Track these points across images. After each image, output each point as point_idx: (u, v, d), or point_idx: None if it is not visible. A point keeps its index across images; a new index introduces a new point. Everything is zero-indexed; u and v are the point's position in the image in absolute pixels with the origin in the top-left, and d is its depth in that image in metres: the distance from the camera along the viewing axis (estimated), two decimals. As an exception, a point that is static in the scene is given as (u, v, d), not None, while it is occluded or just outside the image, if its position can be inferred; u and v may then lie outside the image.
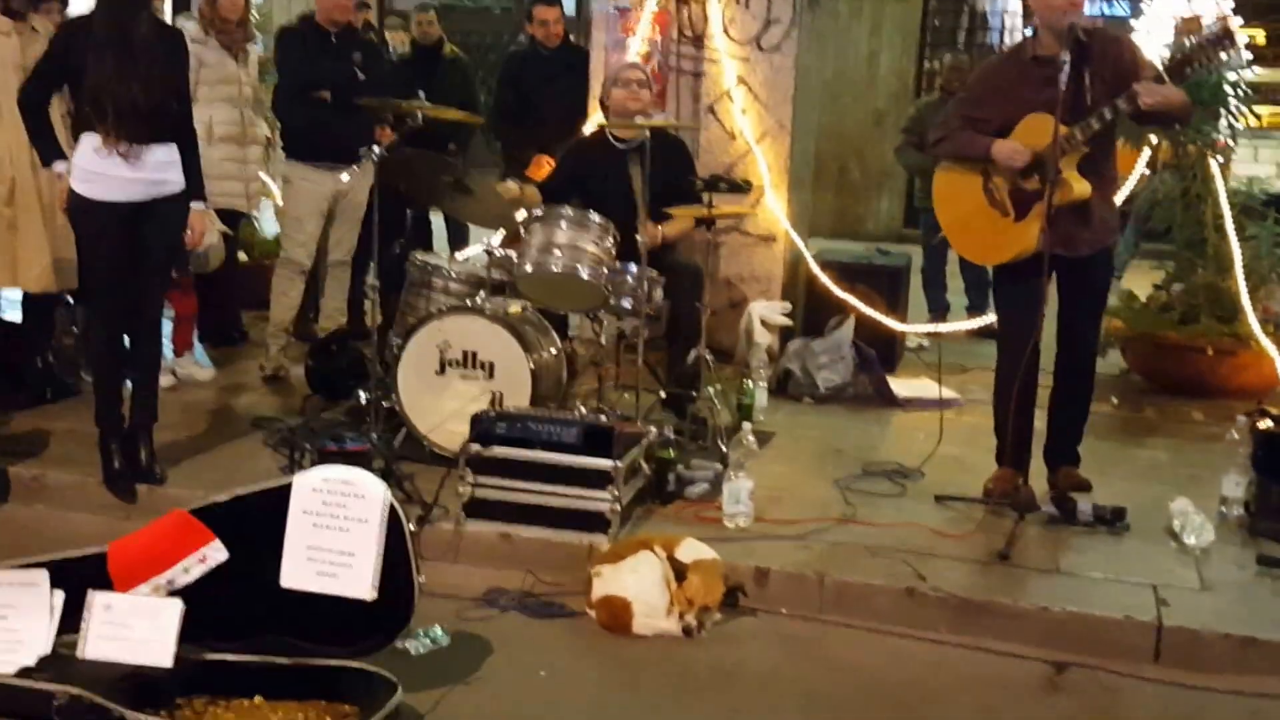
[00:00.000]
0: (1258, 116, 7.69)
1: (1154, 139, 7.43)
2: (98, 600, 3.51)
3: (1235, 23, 10.75)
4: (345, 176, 6.48)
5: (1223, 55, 4.62)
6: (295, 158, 6.82)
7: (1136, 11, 13.33)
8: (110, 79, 4.91)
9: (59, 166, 5.11)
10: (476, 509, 4.68)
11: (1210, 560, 4.62)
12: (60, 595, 3.60)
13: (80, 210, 5.05)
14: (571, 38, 8.56)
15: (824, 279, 7.30)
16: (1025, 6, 14.66)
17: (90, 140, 4.97)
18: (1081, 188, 4.79)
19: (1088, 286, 5.08)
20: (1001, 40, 14.59)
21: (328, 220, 6.83)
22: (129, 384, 5.27)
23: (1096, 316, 5.28)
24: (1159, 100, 4.61)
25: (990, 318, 7.88)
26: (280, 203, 7.65)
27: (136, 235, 5.10)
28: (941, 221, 5.35)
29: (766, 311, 6.80)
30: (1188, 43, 4.77)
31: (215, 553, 3.68)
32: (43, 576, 3.62)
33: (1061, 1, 4.75)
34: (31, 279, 5.95)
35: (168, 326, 6.09)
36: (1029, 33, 5.05)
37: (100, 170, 4.98)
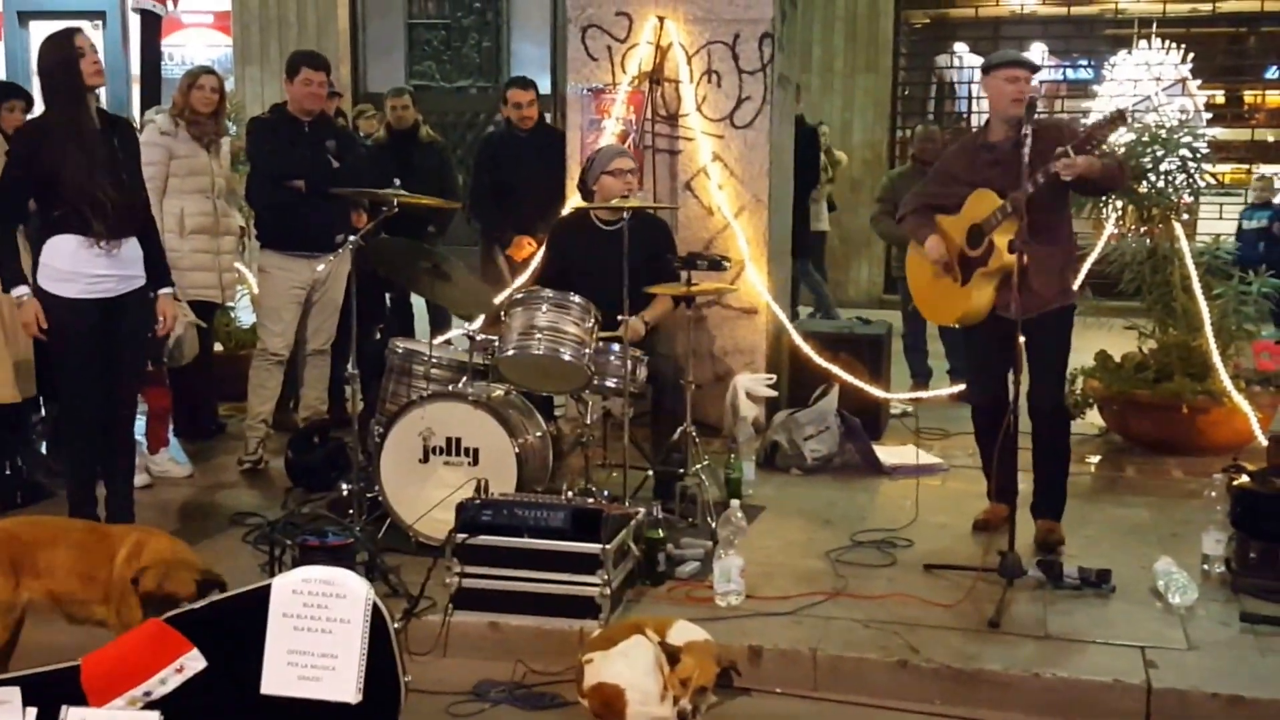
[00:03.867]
0: (1216, 177, 7.83)
1: (1119, 203, 7.56)
2: (72, 716, 3.41)
3: (1194, 84, 10.97)
4: (321, 267, 6.53)
5: (1114, 135, 5.06)
6: (270, 247, 6.84)
7: (1099, 76, 13.62)
8: (84, 176, 4.95)
9: (20, 291, 5.06)
10: (464, 599, 4.66)
11: (1195, 619, 4.65)
12: (33, 712, 3.50)
13: (54, 309, 5.04)
14: (547, 118, 8.65)
15: (807, 350, 7.36)
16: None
17: (64, 241, 5.00)
18: (1010, 256, 5.12)
19: (1035, 348, 5.22)
20: (969, 108, 14.84)
21: (305, 309, 6.85)
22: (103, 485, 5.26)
23: (1052, 376, 5.50)
24: (1077, 172, 5.02)
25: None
26: (256, 292, 7.67)
27: (108, 332, 5.12)
28: (910, 285, 5.88)
29: (751, 384, 6.83)
30: (1089, 121, 5.22)
31: (193, 662, 3.61)
32: (14, 694, 3.52)
33: (1011, 90, 5.31)
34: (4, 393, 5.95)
35: (141, 422, 6.09)
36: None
37: (75, 269, 5.01)
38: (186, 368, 6.86)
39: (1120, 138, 7.96)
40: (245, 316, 8.53)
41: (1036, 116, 5.07)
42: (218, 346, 8.00)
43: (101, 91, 5.44)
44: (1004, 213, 5.15)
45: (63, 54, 5.05)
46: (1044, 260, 5.24)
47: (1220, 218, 13.35)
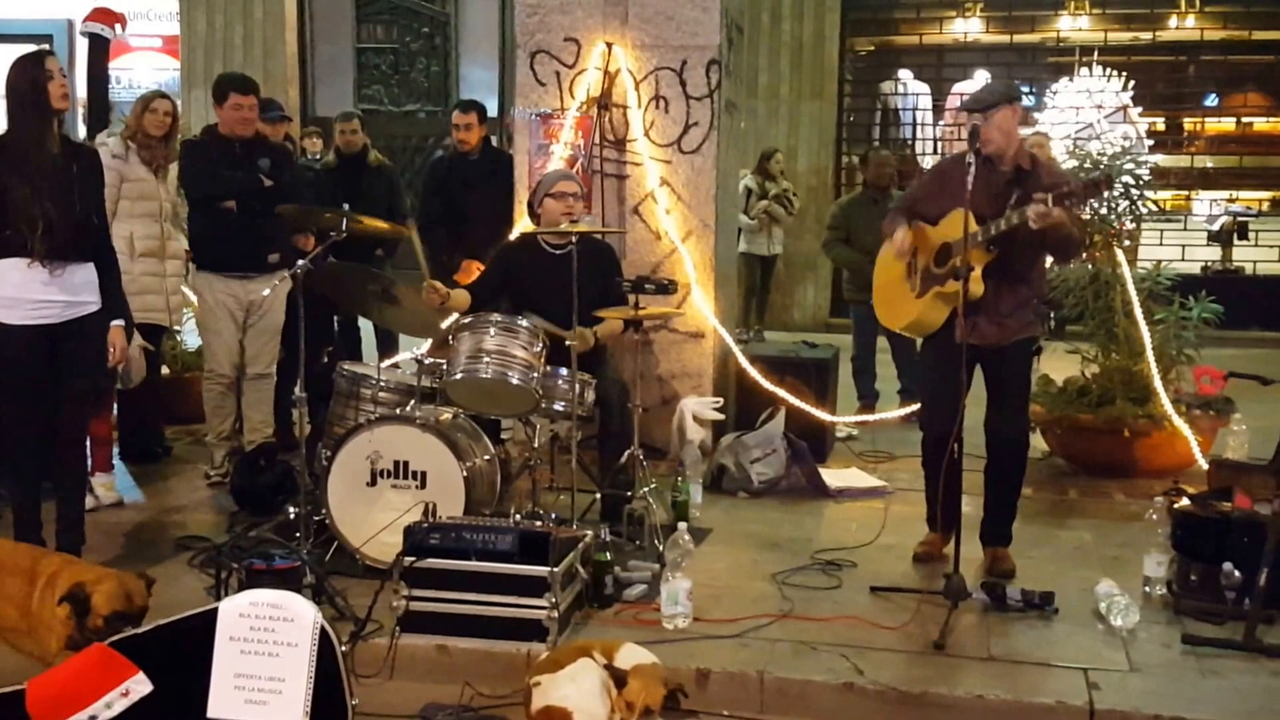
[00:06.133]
0: (1158, 203, 7.96)
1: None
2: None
3: (1134, 113, 11.09)
4: (266, 290, 6.50)
5: (1094, 202, 5.10)
6: (205, 269, 6.82)
7: (1041, 103, 13.84)
8: (29, 195, 4.92)
9: None
10: (412, 622, 4.64)
11: (1137, 641, 4.70)
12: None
13: None
14: (494, 141, 8.67)
15: (753, 373, 7.40)
16: (935, 105, 15.16)
17: (7, 266, 4.96)
18: (973, 288, 5.16)
19: (999, 375, 5.44)
20: (913, 135, 14.99)
21: (245, 330, 6.83)
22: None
23: (1014, 405, 5.52)
24: (1048, 224, 5.02)
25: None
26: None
27: (54, 357, 5.08)
28: (875, 280, 5.85)
29: (698, 407, 6.86)
30: (1069, 186, 5.12)
31: (139, 686, 3.58)
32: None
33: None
34: None
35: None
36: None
37: (18, 295, 4.97)
38: (133, 391, 6.81)
39: (1063, 164, 8.10)
40: (192, 339, 8.47)
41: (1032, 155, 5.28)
42: (164, 370, 7.94)
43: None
44: (974, 241, 5.13)
45: (32, 76, 5.05)
46: (1012, 293, 5.31)
47: (1161, 244, 13.58)
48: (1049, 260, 5.70)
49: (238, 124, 6.70)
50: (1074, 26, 14.88)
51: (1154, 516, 5.30)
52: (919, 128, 15.22)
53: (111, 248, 5.37)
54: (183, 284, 7.38)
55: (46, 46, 7.01)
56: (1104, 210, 7.45)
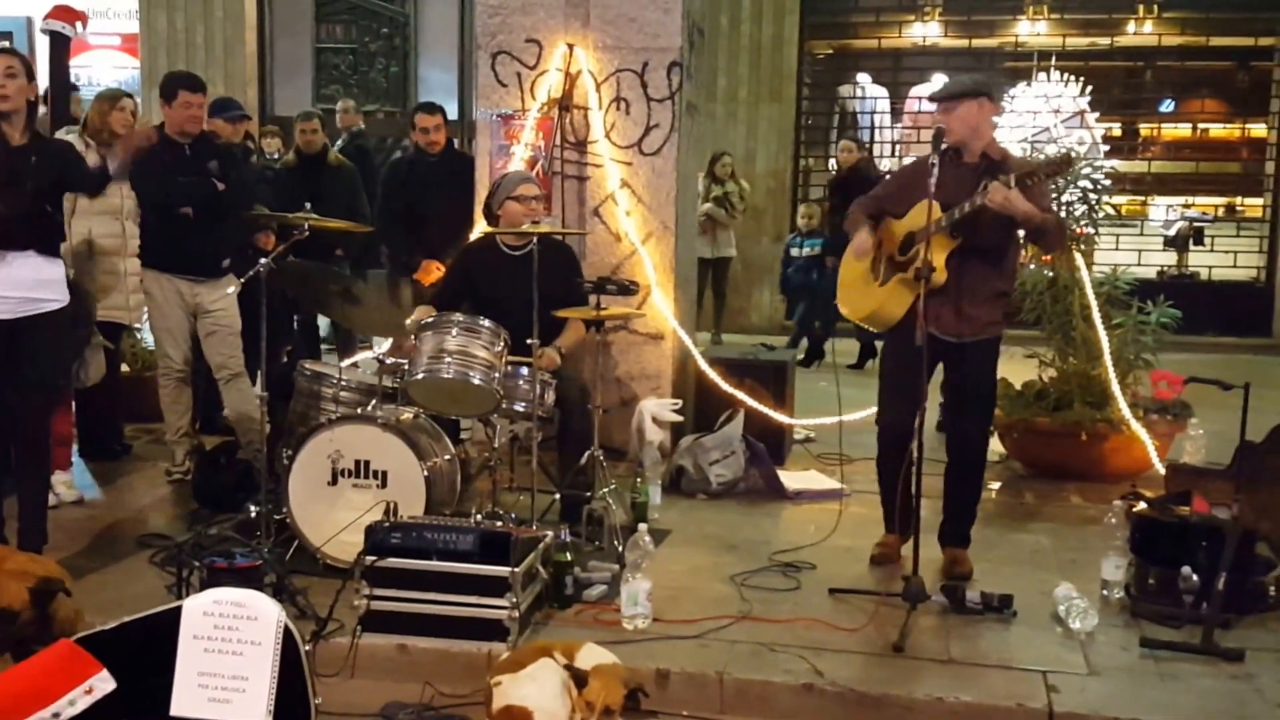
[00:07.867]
0: (1115, 207, 8.03)
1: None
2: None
3: (1092, 118, 11.12)
4: (231, 288, 6.46)
5: (1059, 181, 5.02)
6: (152, 266, 6.68)
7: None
8: None
9: None
10: (373, 622, 4.63)
11: (1095, 644, 4.73)
12: (-63, 736, 3.48)
13: None
14: (455, 143, 8.65)
15: (712, 375, 7.41)
16: (893, 109, 15.20)
17: None
18: (934, 275, 5.13)
19: (962, 372, 5.43)
20: (871, 139, 15.07)
21: (201, 337, 6.76)
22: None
23: (976, 403, 5.52)
24: (999, 204, 5.02)
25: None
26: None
27: (13, 353, 5.03)
28: (840, 279, 5.77)
29: (657, 409, 6.87)
30: (1034, 160, 5.14)
31: (102, 683, 3.57)
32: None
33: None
34: None
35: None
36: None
37: None
38: (93, 389, 6.76)
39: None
40: (151, 338, 8.41)
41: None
42: (124, 368, 7.87)
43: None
44: (938, 226, 5.11)
45: None
46: (979, 285, 5.29)
47: (1118, 248, 13.70)
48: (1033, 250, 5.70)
49: (187, 122, 6.57)
50: (1032, 31, 14.99)
51: (1112, 520, 5.33)
52: (877, 131, 15.31)
53: (58, 243, 5.32)
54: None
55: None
56: (1062, 214, 7.50)
